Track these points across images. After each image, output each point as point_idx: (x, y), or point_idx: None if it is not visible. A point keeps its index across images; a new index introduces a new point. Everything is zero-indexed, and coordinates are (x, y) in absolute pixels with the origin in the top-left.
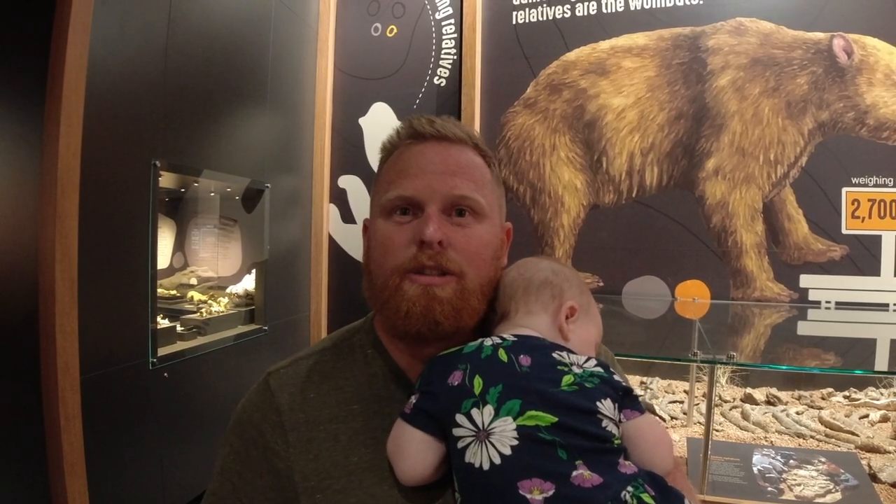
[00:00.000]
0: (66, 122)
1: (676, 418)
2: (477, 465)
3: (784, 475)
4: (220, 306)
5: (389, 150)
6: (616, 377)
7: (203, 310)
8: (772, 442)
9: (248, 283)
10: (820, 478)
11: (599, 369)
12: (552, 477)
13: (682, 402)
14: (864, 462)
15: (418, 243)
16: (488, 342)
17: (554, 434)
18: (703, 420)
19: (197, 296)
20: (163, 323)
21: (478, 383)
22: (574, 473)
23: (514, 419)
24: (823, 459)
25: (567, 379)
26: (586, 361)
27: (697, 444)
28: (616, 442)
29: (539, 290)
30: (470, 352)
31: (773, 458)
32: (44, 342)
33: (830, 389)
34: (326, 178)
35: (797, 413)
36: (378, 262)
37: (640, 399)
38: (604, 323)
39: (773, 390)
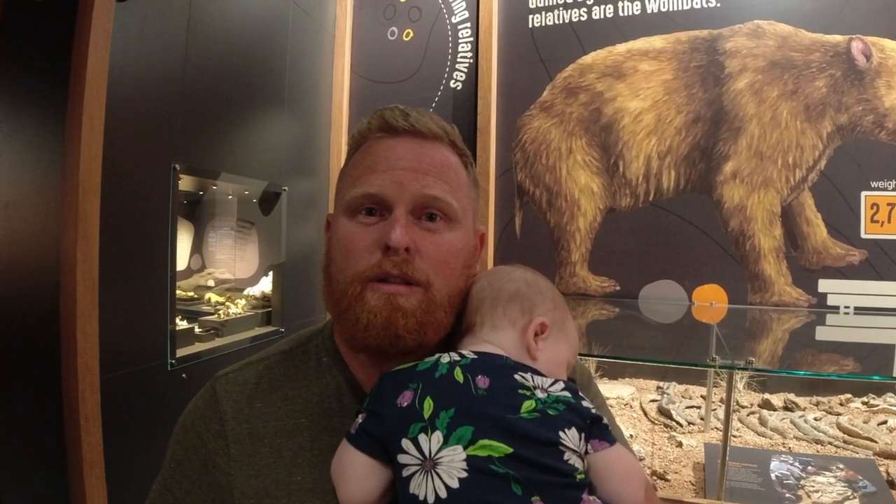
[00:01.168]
0: (88, 126)
1: (693, 424)
2: (421, 497)
3: (802, 481)
4: (237, 308)
5: (359, 141)
6: (585, 403)
7: (221, 311)
8: (790, 448)
9: (265, 285)
10: (838, 484)
11: (566, 394)
12: None
13: (699, 408)
14: (882, 468)
15: (383, 248)
16: (445, 359)
17: (508, 466)
18: (720, 425)
19: (214, 297)
20: (181, 324)
21: (428, 406)
22: None
23: (465, 448)
24: (841, 466)
25: (528, 405)
26: (552, 385)
27: (715, 449)
28: (579, 476)
29: (508, 303)
30: (424, 369)
31: (791, 464)
32: (64, 343)
33: (849, 395)
34: None
35: (815, 419)
36: (339, 266)
37: (610, 428)
38: (621, 327)
39: (791, 396)
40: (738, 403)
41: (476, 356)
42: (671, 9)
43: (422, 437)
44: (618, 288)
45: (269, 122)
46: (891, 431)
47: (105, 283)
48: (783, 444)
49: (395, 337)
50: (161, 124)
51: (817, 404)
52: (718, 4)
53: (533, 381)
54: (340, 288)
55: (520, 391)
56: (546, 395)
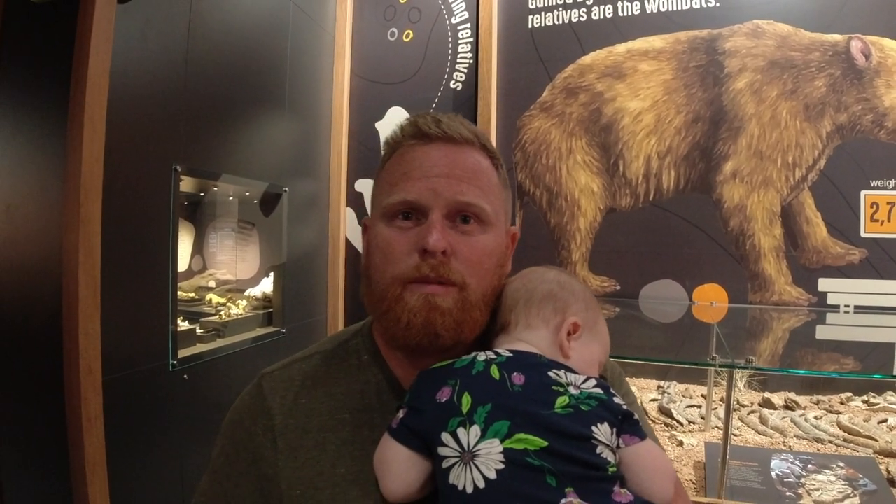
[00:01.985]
0: (90, 128)
1: (694, 423)
2: (460, 487)
3: (802, 480)
4: (238, 309)
5: (393, 147)
6: (616, 400)
7: (222, 312)
8: (790, 447)
9: (266, 285)
10: (838, 482)
11: (598, 391)
12: None
13: (699, 407)
14: (882, 467)
15: (421, 252)
16: (481, 357)
17: (543, 459)
18: (720, 425)
19: (215, 298)
20: (183, 325)
21: (466, 401)
22: (563, 501)
23: (502, 441)
24: (842, 464)
25: (561, 400)
26: (585, 382)
27: (716, 448)
28: (611, 470)
29: (541, 304)
30: (461, 367)
31: (792, 462)
32: (67, 344)
33: (849, 394)
34: (343, 181)
35: (815, 418)
36: (378, 268)
37: (641, 424)
38: (622, 327)
39: (792, 395)
40: (738, 402)
41: (511, 354)
42: (670, 9)
43: (460, 431)
44: (618, 288)
45: (269, 123)
46: (891, 430)
47: (107, 284)
48: (784, 442)
49: (433, 335)
50: (162, 126)
51: (818, 403)
52: (718, 4)
53: (566, 378)
54: (380, 289)
55: (553, 388)
56: (579, 391)
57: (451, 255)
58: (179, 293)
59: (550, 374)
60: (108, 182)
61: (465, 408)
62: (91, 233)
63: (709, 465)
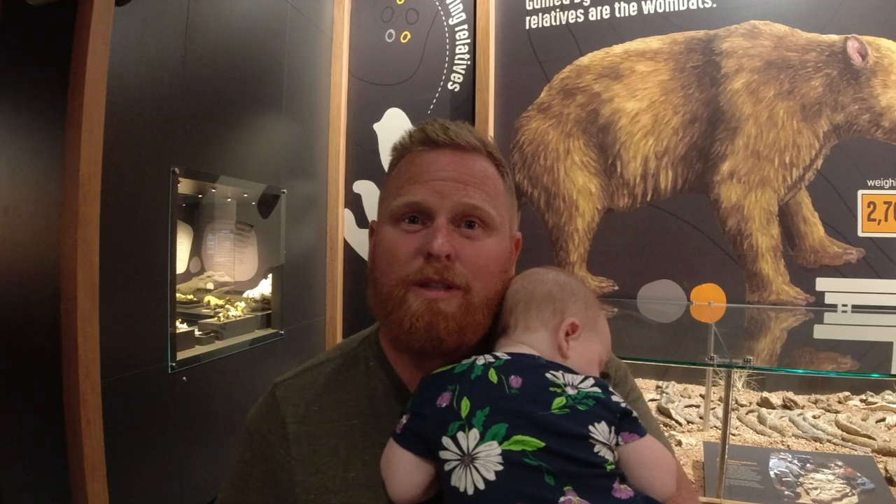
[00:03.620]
0: (88, 130)
1: (693, 422)
2: (462, 489)
3: (801, 479)
4: (236, 311)
5: (401, 152)
6: (615, 398)
7: (220, 314)
8: (788, 446)
9: (265, 287)
10: (836, 481)
11: (596, 390)
12: (538, 503)
13: (698, 407)
14: (880, 465)
15: (425, 255)
16: (480, 361)
17: (540, 459)
18: (719, 424)
19: (214, 300)
20: (181, 327)
21: (465, 405)
22: (562, 500)
23: (500, 443)
24: (840, 463)
25: (559, 401)
26: (583, 381)
27: (714, 448)
28: (609, 467)
29: (540, 305)
30: (461, 371)
31: (790, 461)
32: (66, 346)
33: (847, 393)
34: (341, 183)
35: (814, 417)
36: (383, 270)
37: (643, 421)
38: (620, 327)
39: (790, 394)
40: (736, 402)
41: (509, 357)
42: (667, 10)
43: (460, 435)
44: (616, 288)
45: (267, 124)
46: (889, 429)
47: (105, 286)
48: (782, 441)
49: (436, 339)
50: (160, 128)
51: (816, 402)
52: (714, 5)
53: (564, 378)
54: (385, 291)
55: (551, 389)
56: (576, 391)
57: (455, 259)
58: (178, 295)
59: (548, 375)
60: (107, 184)
61: (464, 412)
62: (89, 235)
63: (707, 464)
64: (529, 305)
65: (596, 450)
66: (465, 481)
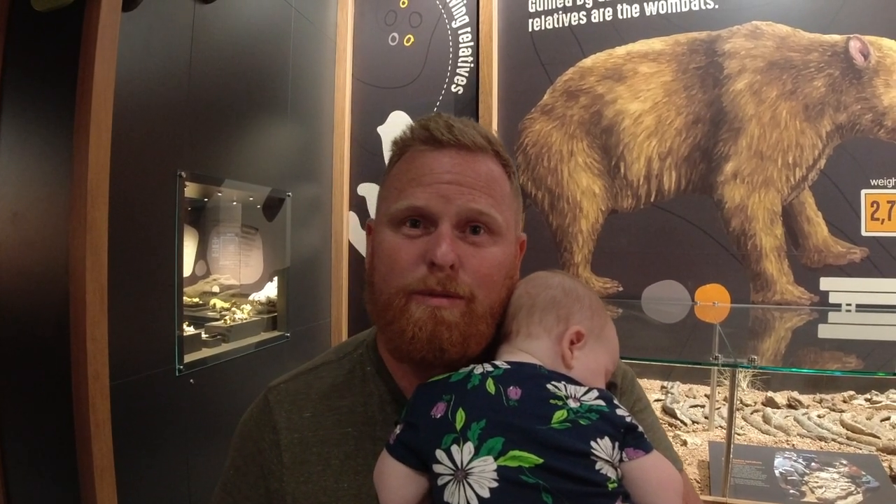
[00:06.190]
0: (96, 136)
1: (698, 422)
2: None
3: (806, 478)
4: (242, 313)
5: (402, 149)
6: (619, 412)
7: (226, 317)
8: (793, 445)
9: (270, 290)
10: (841, 480)
11: (600, 403)
12: None
13: (703, 407)
14: (885, 464)
15: (428, 263)
16: (478, 370)
17: (538, 477)
18: (724, 424)
19: (219, 303)
20: (188, 330)
21: (460, 417)
22: None
23: (496, 459)
24: (845, 462)
25: (559, 415)
26: (586, 394)
27: (719, 447)
28: (611, 486)
29: (543, 311)
30: (457, 381)
31: (795, 460)
32: (75, 350)
33: (852, 392)
34: (346, 186)
35: (818, 416)
36: (383, 277)
37: (646, 435)
38: (624, 328)
39: (795, 394)
40: (741, 402)
41: (509, 366)
42: (670, 11)
43: (454, 448)
44: (621, 289)
45: (272, 128)
46: (894, 427)
47: (113, 290)
48: (787, 441)
49: (439, 350)
50: (167, 132)
51: (820, 401)
52: (717, 6)
53: (566, 390)
54: (384, 299)
55: (551, 401)
56: (579, 404)
57: (459, 268)
58: (184, 298)
59: (549, 386)
60: (114, 189)
61: (458, 424)
62: (97, 239)
63: (713, 464)
64: (532, 311)
65: (597, 467)
66: (458, 497)
